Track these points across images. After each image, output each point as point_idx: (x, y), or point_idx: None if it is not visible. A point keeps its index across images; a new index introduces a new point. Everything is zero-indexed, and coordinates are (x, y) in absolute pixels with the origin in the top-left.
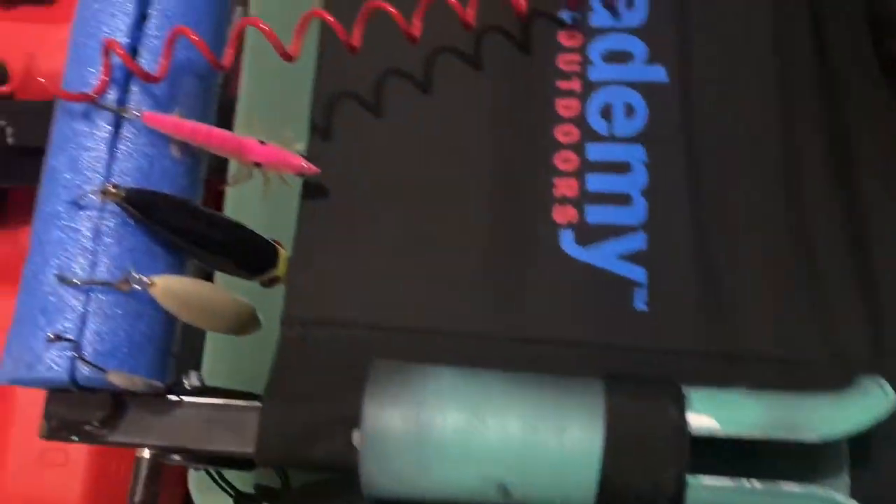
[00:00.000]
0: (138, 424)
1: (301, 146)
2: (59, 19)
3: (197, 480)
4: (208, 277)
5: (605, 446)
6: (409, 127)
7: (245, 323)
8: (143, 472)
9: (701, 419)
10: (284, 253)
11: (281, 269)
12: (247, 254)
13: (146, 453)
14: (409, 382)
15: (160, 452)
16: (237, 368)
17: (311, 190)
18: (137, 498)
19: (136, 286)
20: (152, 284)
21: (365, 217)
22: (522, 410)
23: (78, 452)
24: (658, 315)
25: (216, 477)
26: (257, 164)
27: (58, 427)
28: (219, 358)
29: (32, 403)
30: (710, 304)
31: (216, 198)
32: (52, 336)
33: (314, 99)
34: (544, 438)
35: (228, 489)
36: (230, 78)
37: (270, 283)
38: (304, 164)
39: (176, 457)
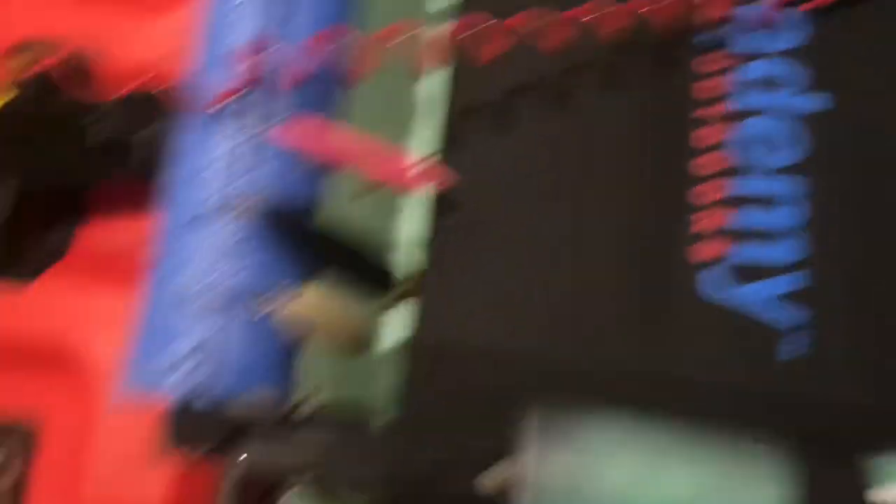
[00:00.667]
0: (258, 447)
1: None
2: (147, 8)
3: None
4: None
5: None
6: (537, 148)
7: (361, 345)
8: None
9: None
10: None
11: (409, 289)
12: (377, 269)
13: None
14: (566, 427)
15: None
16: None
17: (441, 207)
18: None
19: (271, 306)
20: (285, 304)
21: (494, 239)
22: (696, 467)
23: None
24: (815, 364)
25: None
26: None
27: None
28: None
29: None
30: (875, 355)
31: None
32: (181, 354)
33: (448, 111)
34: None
35: None
36: None
37: (396, 301)
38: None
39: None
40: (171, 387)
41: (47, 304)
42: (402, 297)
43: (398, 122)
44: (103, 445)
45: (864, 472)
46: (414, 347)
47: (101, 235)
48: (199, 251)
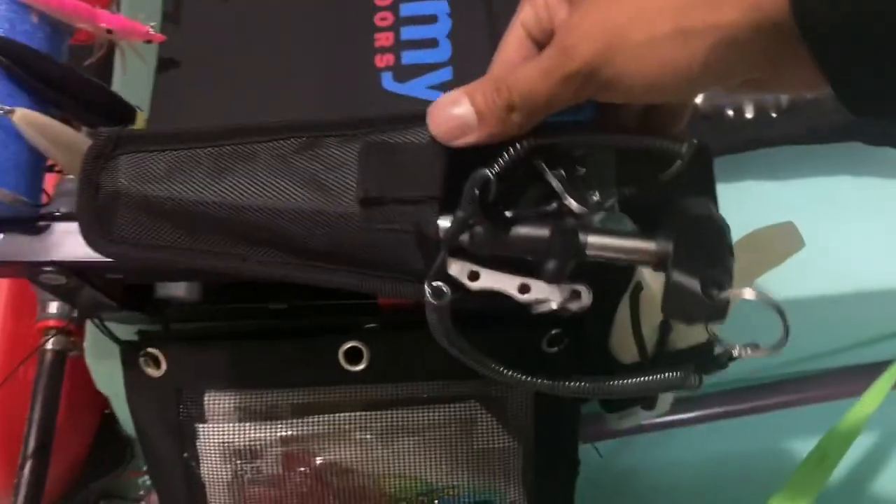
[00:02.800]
0: (12, 244)
1: (154, 24)
2: None
3: (92, 350)
4: None
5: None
6: (247, 7)
7: None
8: (46, 366)
9: None
10: (142, 114)
11: (139, 125)
12: (108, 108)
13: (49, 345)
14: None
15: (35, 273)
16: None
17: (164, 63)
18: (40, 392)
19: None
20: (12, 112)
21: (212, 80)
22: None
23: None
24: None
25: (101, 326)
26: (109, 31)
27: None
28: None
29: None
30: None
31: None
32: None
33: None
34: None
35: (114, 338)
36: None
37: None
38: (150, 31)
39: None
40: None
41: None
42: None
43: None
44: None
45: None
46: None
47: None
48: None
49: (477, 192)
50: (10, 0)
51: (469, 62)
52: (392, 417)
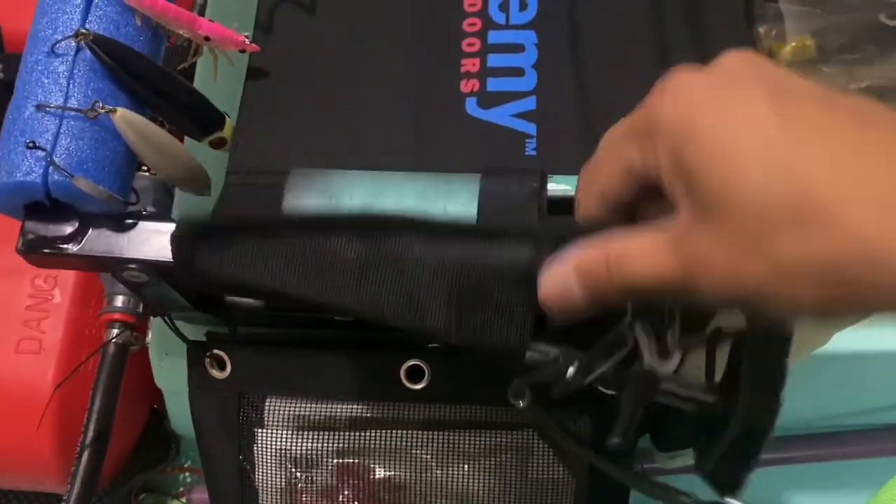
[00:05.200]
0: (100, 240)
1: (248, 33)
2: None
3: (156, 346)
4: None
5: (481, 209)
6: (338, 22)
7: (196, 178)
8: (109, 358)
9: (557, 187)
10: (230, 122)
11: (227, 132)
12: (199, 113)
13: (113, 334)
14: (320, 178)
15: (120, 269)
16: None
17: (255, 70)
18: (102, 383)
19: (101, 112)
20: (114, 112)
21: (301, 90)
22: (416, 191)
23: (52, 341)
24: (545, 158)
25: (170, 324)
26: (207, 39)
27: (32, 242)
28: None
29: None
30: (589, 146)
31: None
32: (29, 143)
33: (259, 3)
34: (433, 210)
35: (182, 337)
36: None
37: (218, 144)
38: (246, 41)
39: (133, 268)
40: (24, 174)
41: None
42: (225, 139)
43: None
44: None
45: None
46: (228, 171)
47: None
48: (51, 77)
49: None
50: (117, 2)
51: (553, 93)
52: (448, 438)
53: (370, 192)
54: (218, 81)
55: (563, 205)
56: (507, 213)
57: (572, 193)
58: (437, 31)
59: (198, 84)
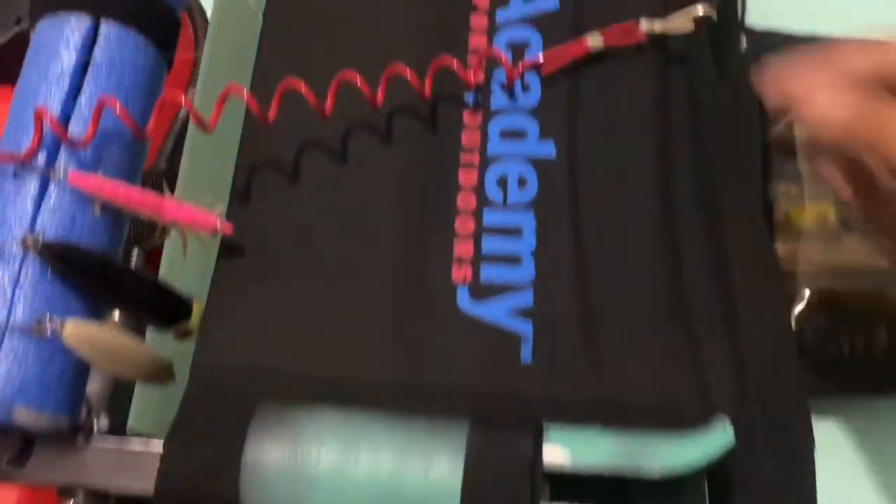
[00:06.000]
0: (45, 463)
1: (222, 208)
2: None
3: None
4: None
5: (465, 479)
6: (319, 194)
7: (159, 373)
8: None
9: (556, 453)
10: (198, 307)
11: (194, 321)
12: (163, 307)
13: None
14: (288, 420)
15: (66, 492)
16: (165, 415)
17: (228, 249)
18: None
19: (49, 327)
20: (63, 328)
21: (276, 275)
22: (394, 446)
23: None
24: (542, 366)
25: None
26: (173, 223)
27: None
28: (147, 404)
29: None
30: (591, 356)
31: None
32: None
33: (236, 166)
34: (412, 474)
35: None
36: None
37: (183, 335)
38: (219, 223)
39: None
40: None
41: None
42: (191, 330)
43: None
44: None
45: (532, 438)
46: (192, 368)
47: None
48: None
49: None
50: (76, 192)
51: (552, 288)
52: None
53: (342, 445)
54: (188, 257)
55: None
56: (495, 485)
57: (569, 465)
58: (428, 207)
59: (165, 263)
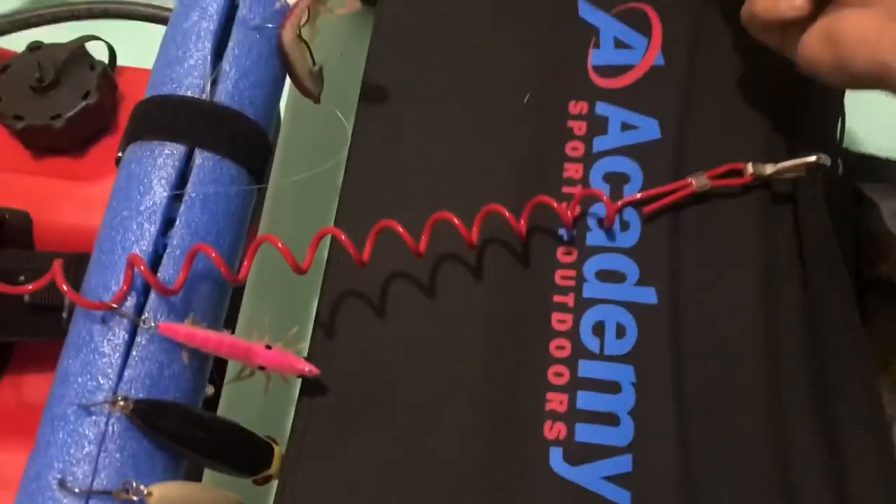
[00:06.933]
0: None
1: (304, 346)
2: (86, 175)
3: None
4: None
5: None
6: (409, 334)
7: None
8: None
9: None
10: (279, 451)
11: (274, 467)
12: (241, 455)
13: None
14: None
15: None
16: None
17: (310, 390)
18: None
19: (135, 497)
20: (150, 495)
21: (361, 421)
22: None
23: None
24: None
25: None
26: (262, 367)
27: None
28: None
29: None
30: None
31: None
32: None
33: (320, 302)
34: None
35: None
36: None
37: (263, 481)
38: (307, 367)
39: None
40: None
41: None
42: (272, 475)
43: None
44: None
45: None
46: None
47: (18, 392)
48: (79, 442)
49: None
50: (165, 340)
51: (652, 454)
52: None
53: None
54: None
55: None
56: None
57: None
58: (518, 352)
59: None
